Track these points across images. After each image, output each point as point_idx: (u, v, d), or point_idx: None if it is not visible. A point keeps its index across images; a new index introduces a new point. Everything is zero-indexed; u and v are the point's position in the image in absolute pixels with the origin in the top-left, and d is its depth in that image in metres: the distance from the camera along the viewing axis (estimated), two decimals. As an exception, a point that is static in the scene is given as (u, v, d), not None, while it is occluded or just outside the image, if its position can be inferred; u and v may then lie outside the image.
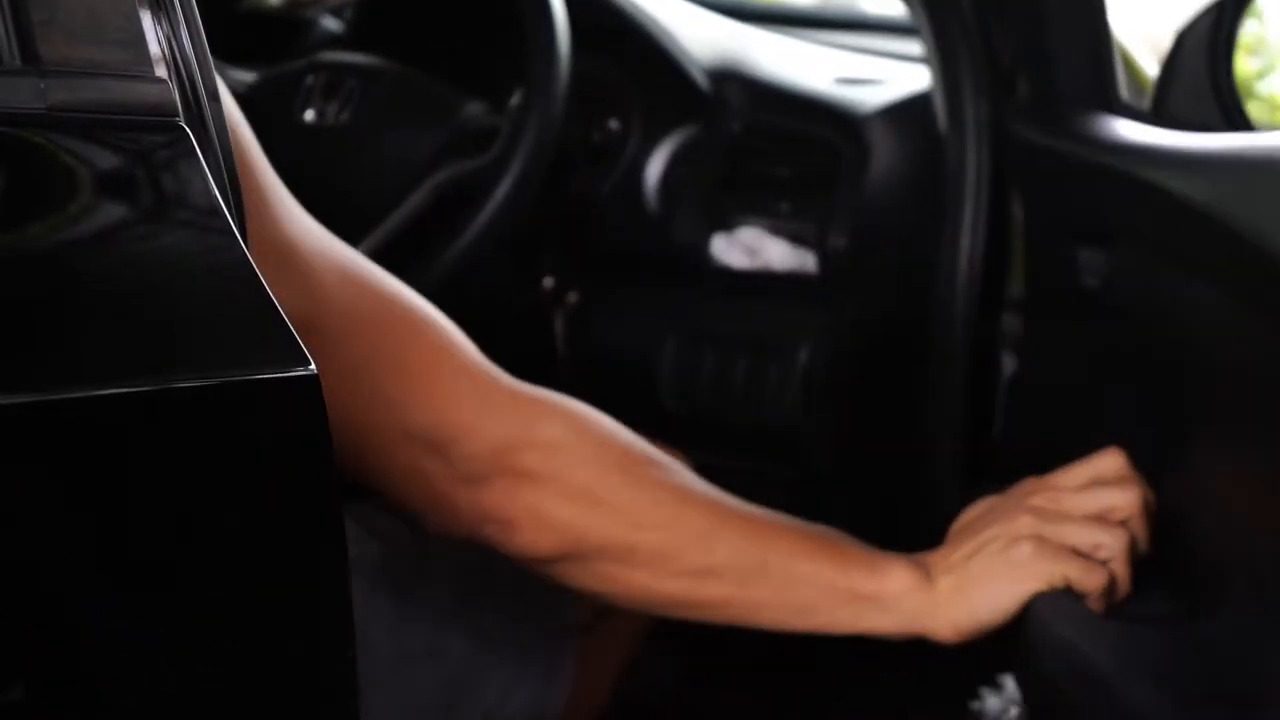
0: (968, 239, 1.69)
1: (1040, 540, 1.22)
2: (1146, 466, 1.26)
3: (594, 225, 1.93)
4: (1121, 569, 1.23)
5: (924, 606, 1.25)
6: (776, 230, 1.87)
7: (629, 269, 1.96)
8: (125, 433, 0.72)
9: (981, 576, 1.24)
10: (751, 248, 1.88)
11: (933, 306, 1.72)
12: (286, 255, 1.12)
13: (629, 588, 1.25)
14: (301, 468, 0.78)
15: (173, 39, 0.84)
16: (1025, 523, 1.23)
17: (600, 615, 1.48)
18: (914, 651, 1.33)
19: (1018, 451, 1.65)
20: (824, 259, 1.82)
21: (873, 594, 1.25)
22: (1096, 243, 1.42)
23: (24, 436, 0.69)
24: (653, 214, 1.96)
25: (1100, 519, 1.24)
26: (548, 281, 1.96)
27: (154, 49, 0.82)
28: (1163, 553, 1.26)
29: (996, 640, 1.27)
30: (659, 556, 1.24)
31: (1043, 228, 1.59)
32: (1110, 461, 1.26)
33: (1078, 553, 1.22)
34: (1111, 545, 1.22)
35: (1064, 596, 1.22)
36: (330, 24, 2.33)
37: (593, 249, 1.97)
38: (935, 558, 1.27)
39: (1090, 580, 1.21)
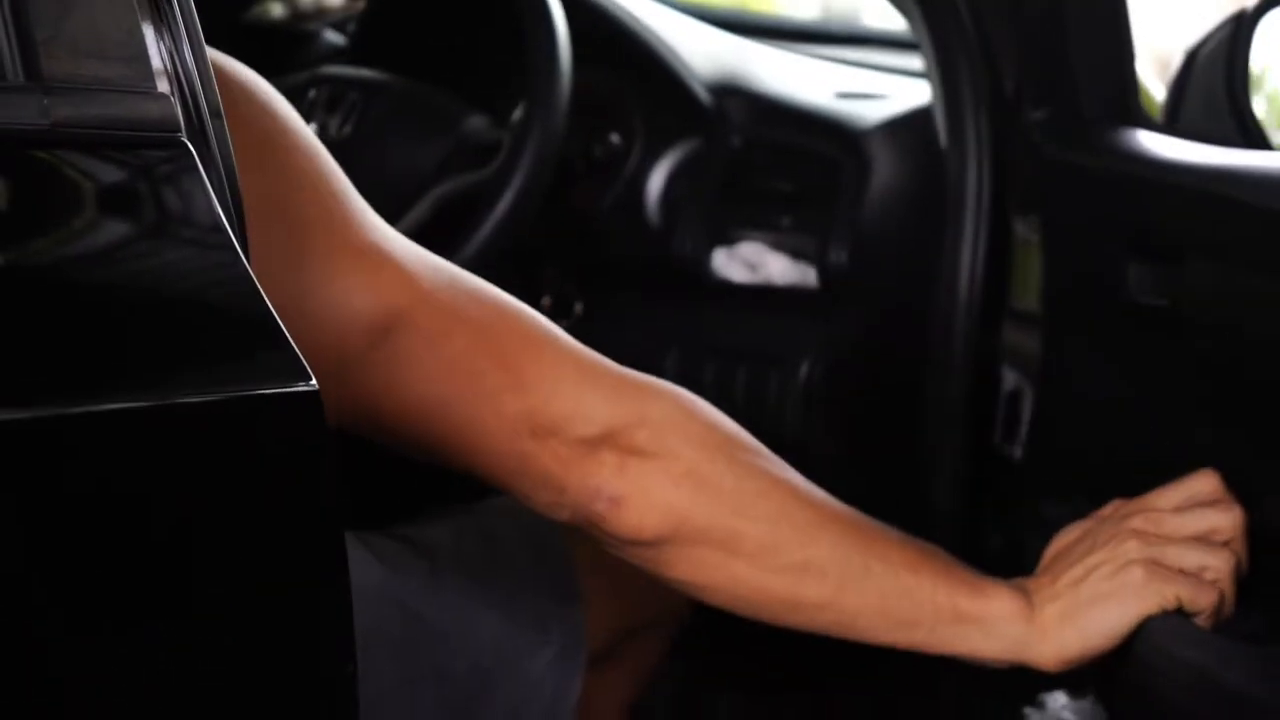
0: (968, 253, 1.69)
1: (1152, 563, 1.21)
2: (1227, 480, 1.26)
3: (596, 238, 1.94)
4: (1229, 589, 1.22)
5: (1028, 633, 1.23)
6: (777, 244, 1.88)
7: (630, 282, 1.96)
8: (128, 447, 0.72)
9: (1094, 601, 1.22)
10: (752, 261, 1.88)
11: (933, 320, 1.72)
12: (380, 257, 1.14)
13: (727, 578, 1.23)
14: (303, 482, 0.79)
15: (175, 54, 0.84)
16: (1133, 546, 1.22)
17: (617, 643, 1.48)
18: (942, 671, 1.33)
19: (1046, 468, 1.64)
20: (824, 273, 1.82)
21: (977, 615, 1.24)
22: (1157, 259, 1.42)
23: (27, 451, 0.69)
24: (654, 227, 1.96)
25: (1204, 540, 1.22)
26: (548, 295, 1.97)
27: (157, 64, 0.83)
28: (1269, 571, 1.26)
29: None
30: (761, 548, 1.22)
31: (1075, 245, 1.58)
32: (1206, 482, 1.25)
33: (1185, 574, 1.21)
34: (1218, 566, 1.21)
35: (1174, 618, 1.22)
36: (333, 37, 2.33)
37: (594, 262, 1.97)
38: (1039, 583, 1.25)
39: (1202, 600, 1.20)
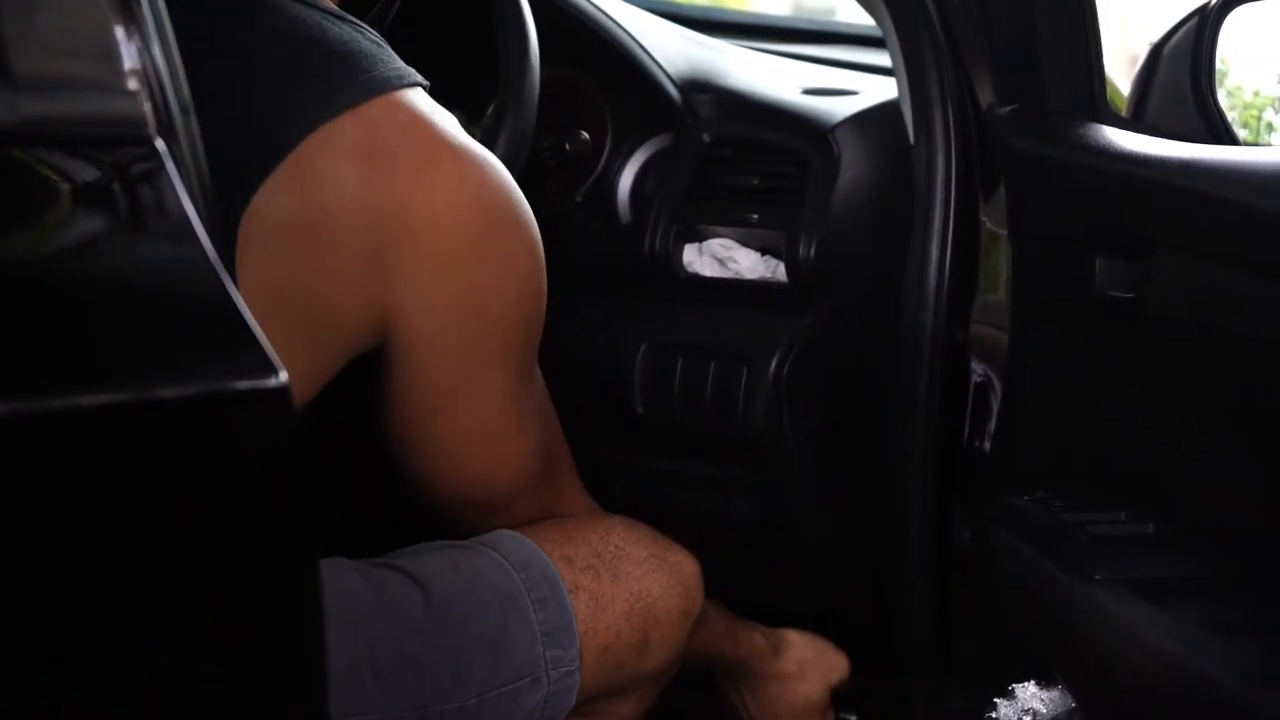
0: (936, 247, 1.70)
1: None
2: (1196, 472, 1.27)
3: (566, 234, 1.94)
4: None
5: None
6: (746, 239, 1.88)
7: (601, 278, 1.97)
8: (99, 443, 0.72)
9: None
10: (721, 257, 1.88)
11: (901, 314, 1.72)
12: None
13: None
14: (275, 475, 0.79)
15: (145, 52, 0.84)
16: None
17: (601, 698, 1.48)
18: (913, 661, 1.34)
19: (1014, 462, 1.65)
20: (793, 268, 1.82)
21: None
22: (1124, 253, 1.43)
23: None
24: (624, 223, 1.97)
25: None
26: None
27: (126, 62, 0.83)
28: (1243, 562, 1.27)
29: (1010, 651, 1.28)
30: None
31: (1043, 238, 1.59)
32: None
33: None
34: None
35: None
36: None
37: (564, 258, 1.97)
38: None
39: None
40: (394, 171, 1.28)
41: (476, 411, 1.39)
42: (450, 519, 1.45)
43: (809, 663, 1.77)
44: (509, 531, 1.43)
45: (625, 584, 1.45)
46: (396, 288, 1.30)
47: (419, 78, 1.34)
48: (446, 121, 1.33)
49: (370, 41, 1.34)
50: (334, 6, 1.38)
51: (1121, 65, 1.71)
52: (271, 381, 0.76)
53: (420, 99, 1.33)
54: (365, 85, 1.29)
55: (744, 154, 1.92)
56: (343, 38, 1.32)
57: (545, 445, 1.47)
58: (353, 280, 1.29)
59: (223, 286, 0.78)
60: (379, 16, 1.64)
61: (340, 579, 1.33)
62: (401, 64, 1.34)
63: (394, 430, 1.39)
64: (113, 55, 0.82)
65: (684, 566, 1.50)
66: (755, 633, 1.73)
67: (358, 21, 1.36)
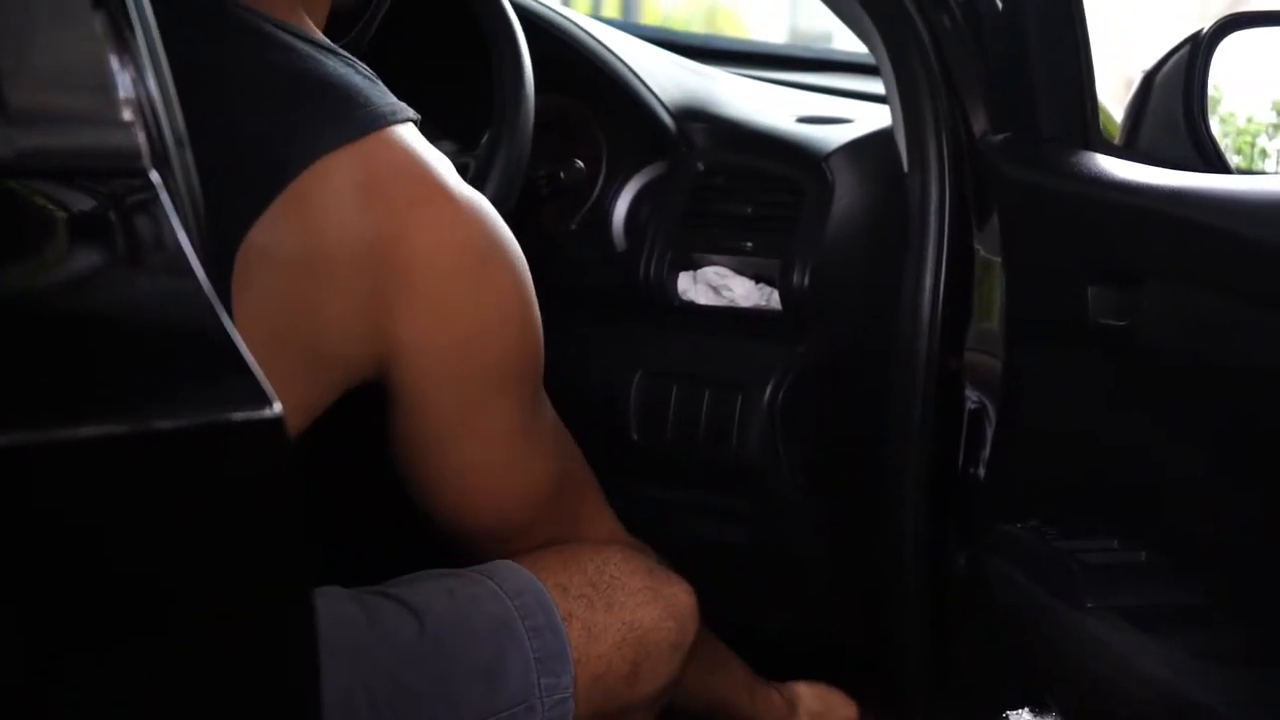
0: (930, 275, 1.70)
1: None
2: (1188, 499, 1.27)
3: (561, 262, 1.94)
4: None
5: None
6: (741, 267, 1.89)
7: (596, 305, 1.97)
8: (94, 474, 0.73)
9: None
10: (716, 285, 1.89)
11: (895, 342, 1.73)
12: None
13: None
14: (270, 505, 0.79)
15: (139, 83, 0.85)
16: None
17: None
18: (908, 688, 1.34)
19: (1008, 489, 1.65)
20: (788, 295, 1.83)
21: None
22: (1116, 281, 1.43)
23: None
24: (619, 251, 1.97)
25: None
26: None
27: (120, 93, 0.83)
28: (1235, 591, 1.28)
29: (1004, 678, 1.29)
30: None
31: (1036, 266, 1.60)
32: None
33: None
34: None
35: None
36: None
37: (559, 286, 1.98)
38: None
39: None
40: (390, 208, 1.29)
41: (482, 443, 1.40)
42: (465, 546, 1.46)
43: (820, 716, 1.80)
44: (506, 561, 1.44)
45: (618, 614, 1.45)
46: (395, 323, 1.31)
47: (411, 113, 1.35)
48: (439, 162, 1.34)
49: (363, 76, 1.35)
50: (325, 39, 1.38)
51: (1118, 90, 1.71)
52: (266, 412, 0.77)
53: (414, 136, 1.34)
54: (361, 120, 1.29)
55: (738, 182, 1.92)
56: (337, 71, 1.33)
57: (559, 474, 1.47)
58: (350, 312, 1.30)
59: (218, 318, 0.79)
60: (357, 39, 1.64)
61: (335, 608, 1.33)
62: (394, 99, 1.34)
63: (402, 460, 1.40)
64: (107, 87, 0.82)
65: (679, 599, 1.50)
66: (772, 690, 1.77)
67: (348, 55, 1.37)
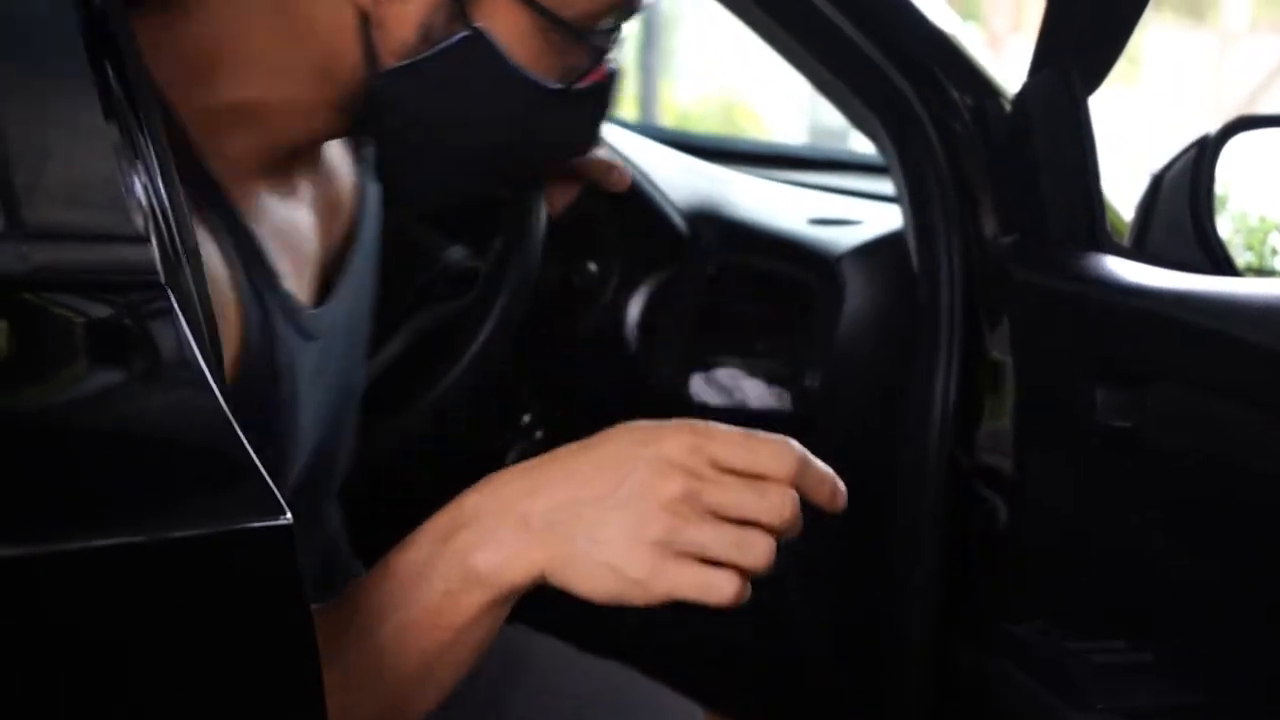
0: (941, 377, 1.70)
1: (666, 551, 1.01)
2: (1195, 601, 1.28)
3: (572, 366, 1.95)
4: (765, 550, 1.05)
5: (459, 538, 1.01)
6: (752, 369, 1.89)
7: (607, 409, 1.97)
8: (108, 583, 0.73)
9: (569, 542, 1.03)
10: (728, 386, 1.90)
11: (905, 443, 1.73)
12: None
13: None
14: (277, 612, 0.80)
15: (151, 193, 0.86)
16: (658, 527, 1.01)
17: None
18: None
19: (1016, 589, 1.65)
20: (799, 397, 1.83)
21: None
22: (1123, 383, 1.44)
23: (6, 588, 0.70)
24: (631, 354, 1.98)
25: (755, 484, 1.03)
26: (525, 419, 1.97)
27: (134, 209, 0.84)
28: (1241, 693, 1.27)
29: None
30: None
31: (1045, 368, 1.61)
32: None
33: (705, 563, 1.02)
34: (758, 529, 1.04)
35: None
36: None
37: (571, 390, 1.99)
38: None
39: (716, 594, 1.03)
40: None
41: None
42: None
43: None
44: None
45: None
46: None
47: None
48: None
49: None
50: None
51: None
52: (276, 520, 0.78)
53: None
54: None
55: (749, 284, 1.94)
56: None
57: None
58: None
59: (230, 428, 0.80)
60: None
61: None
62: None
63: None
64: (121, 203, 0.83)
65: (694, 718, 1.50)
66: None
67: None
